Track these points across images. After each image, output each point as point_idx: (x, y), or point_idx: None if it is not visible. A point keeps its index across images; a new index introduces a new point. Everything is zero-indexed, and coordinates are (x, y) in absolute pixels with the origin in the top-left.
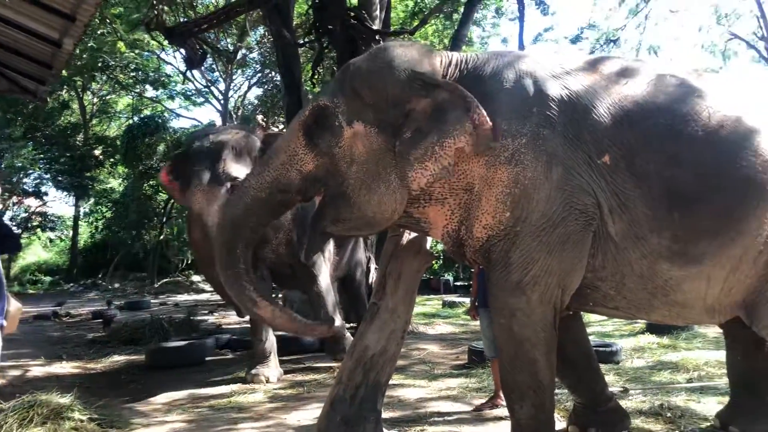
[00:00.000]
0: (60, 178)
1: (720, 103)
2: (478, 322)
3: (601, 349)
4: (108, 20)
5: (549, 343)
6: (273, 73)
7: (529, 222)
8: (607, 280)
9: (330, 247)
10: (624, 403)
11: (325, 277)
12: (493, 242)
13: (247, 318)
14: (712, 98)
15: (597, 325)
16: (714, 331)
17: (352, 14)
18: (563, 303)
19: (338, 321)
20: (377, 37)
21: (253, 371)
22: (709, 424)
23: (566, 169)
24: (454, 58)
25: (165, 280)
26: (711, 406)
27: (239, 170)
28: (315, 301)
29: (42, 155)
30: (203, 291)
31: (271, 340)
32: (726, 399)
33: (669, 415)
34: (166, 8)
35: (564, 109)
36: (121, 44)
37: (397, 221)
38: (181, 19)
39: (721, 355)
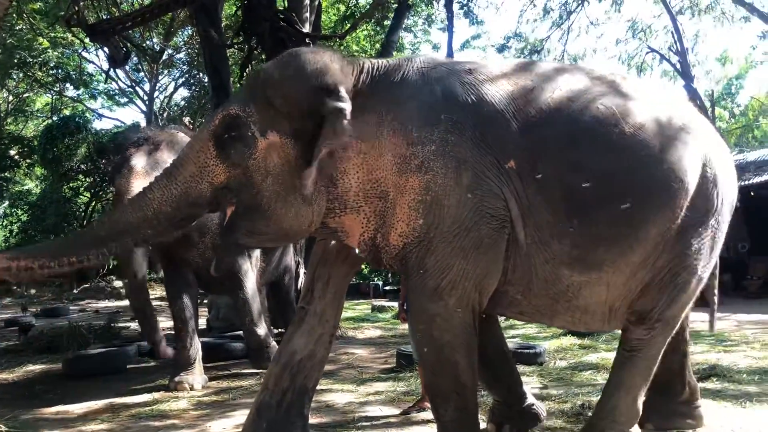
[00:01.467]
0: None
1: (625, 109)
2: (406, 326)
3: (524, 351)
4: (26, 15)
5: (469, 345)
6: (200, 74)
7: (442, 228)
8: (515, 284)
9: (257, 252)
10: (547, 404)
11: (251, 283)
12: (409, 249)
13: (171, 324)
14: (618, 103)
15: (521, 327)
16: None
17: (282, 16)
18: (482, 306)
19: (262, 329)
20: (307, 40)
21: (177, 378)
22: None
23: (476, 173)
24: (366, 64)
25: (85, 285)
26: None
27: None
28: (240, 308)
29: None
30: (125, 297)
31: (195, 347)
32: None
33: (590, 414)
34: (89, 4)
35: (471, 115)
36: (43, 41)
37: (314, 232)
38: (104, 16)
39: None
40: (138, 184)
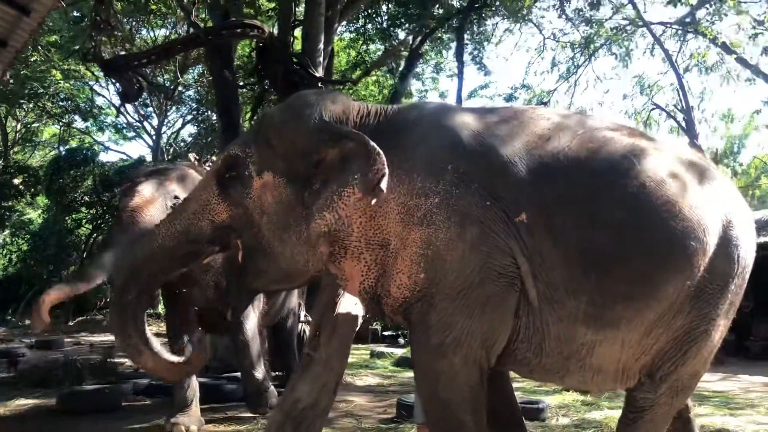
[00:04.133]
0: None
1: (646, 162)
2: (406, 375)
3: (527, 406)
4: (41, 47)
5: (476, 403)
6: (208, 111)
7: (444, 284)
8: (527, 341)
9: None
10: None
11: (251, 325)
12: (411, 303)
13: None
14: (639, 156)
15: (522, 380)
16: None
17: (296, 60)
18: (489, 363)
19: (260, 373)
20: (320, 84)
21: (173, 420)
22: None
23: (482, 229)
24: (373, 108)
25: (81, 318)
26: None
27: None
28: (240, 350)
29: None
30: None
31: (193, 387)
32: None
33: None
34: (104, 39)
35: (480, 165)
36: (56, 73)
37: (317, 275)
38: (119, 52)
39: None
40: (140, 205)
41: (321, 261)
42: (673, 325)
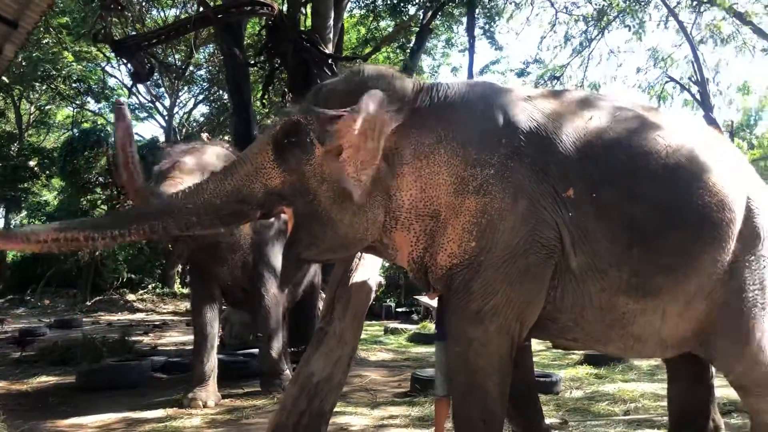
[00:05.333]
0: None
1: (677, 141)
2: (419, 350)
3: (541, 379)
4: (52, 29)
5: (503, 374)
6: (220, 91)
7: (493, 252)
8: (567, 312)
9: None
10: None
11: (272, 302)
12: (456, 270)
13: (185, 339)
14: (670, 136)
15: (536, 355)
16: (648, 364)
17: (305, 37)
18: (521, 336)
19: (277, 354)
20: (330, 61)
21: (191, 395)
22: None
23: (532, 201)
24: (426, 84)
25: (98, 298)
26: None
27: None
28: (260, 324)
29: None
30: (138, 310)
31: (211, 363)
32: None
33: None
34: (115, 20)
35: (532, 142)
36: (68, 55)
37: (371, 245)
38: (130, 32)
39: (656, 387)
40: (180, 175)
41: (379, 230)
42: (711, 297)
